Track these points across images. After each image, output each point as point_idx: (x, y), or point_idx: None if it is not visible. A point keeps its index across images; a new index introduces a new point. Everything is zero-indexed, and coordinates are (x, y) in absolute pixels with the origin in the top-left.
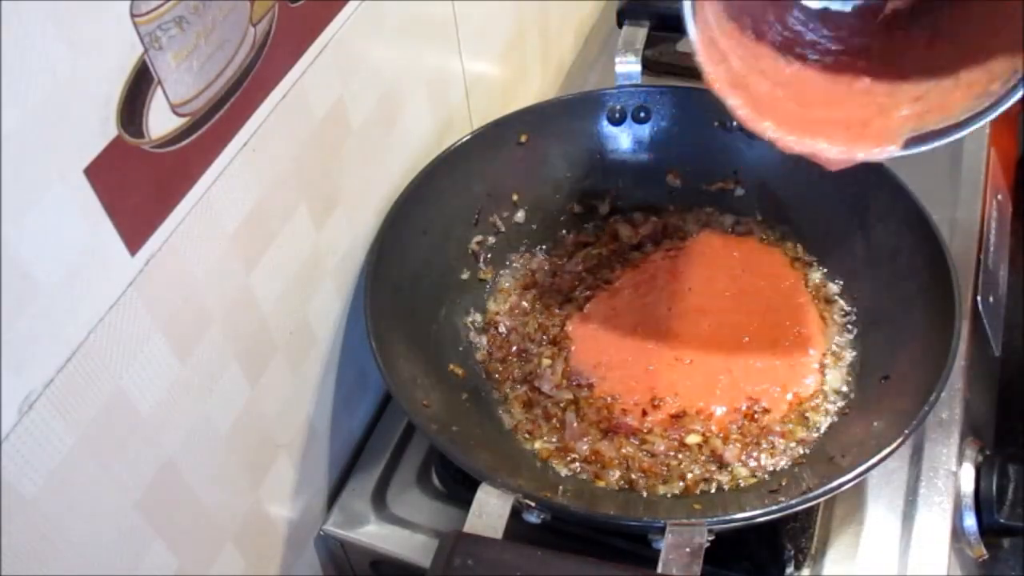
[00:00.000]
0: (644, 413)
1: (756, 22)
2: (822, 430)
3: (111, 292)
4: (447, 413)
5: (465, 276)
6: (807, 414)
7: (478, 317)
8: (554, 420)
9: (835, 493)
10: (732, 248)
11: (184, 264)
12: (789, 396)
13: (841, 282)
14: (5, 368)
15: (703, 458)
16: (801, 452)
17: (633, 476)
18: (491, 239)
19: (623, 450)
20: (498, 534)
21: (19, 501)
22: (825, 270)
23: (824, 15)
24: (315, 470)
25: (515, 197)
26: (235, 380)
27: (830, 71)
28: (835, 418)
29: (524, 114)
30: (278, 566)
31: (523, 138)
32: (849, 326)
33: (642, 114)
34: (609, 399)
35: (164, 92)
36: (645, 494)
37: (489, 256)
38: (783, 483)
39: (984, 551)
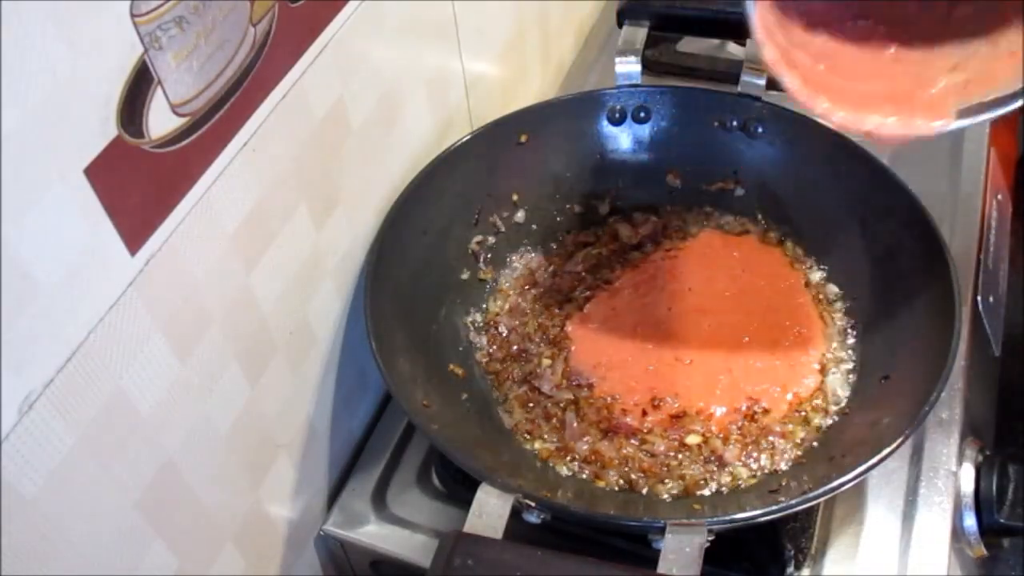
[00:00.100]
0: (644, 413)
1: None
2: (822, 430)
3: (111, 292)
4: (447, 413)
5: (465, 276)
6: (807, 414)
7: (478, 317)
8: (554, 420)
9: (835, 493)
10: (732, 248)
11: (184, 264)
12: (789, 396)
13: (841, 282)
14: (5, 368)
15: (703, 458)
16: (801, 452)
17: (633, 476)
18: (491, 239)
19: (623, 450)
20: (498, 534)
21: (19, 501)
22: (825, 270)
23: None
24: (315, 470)
25: (515, 197)
26: (235, 380)
27: (855, 41)
28: (835, 418)
29: (524, 114)
30: (278, 566)
31: (523, 138)
32: (849, 326)
33: (642, 114)
34: (609, 399)
35: (164, 92)
36: (645, 494)
37: (489, 256)
38: (783, 483)
39: (984, 551)
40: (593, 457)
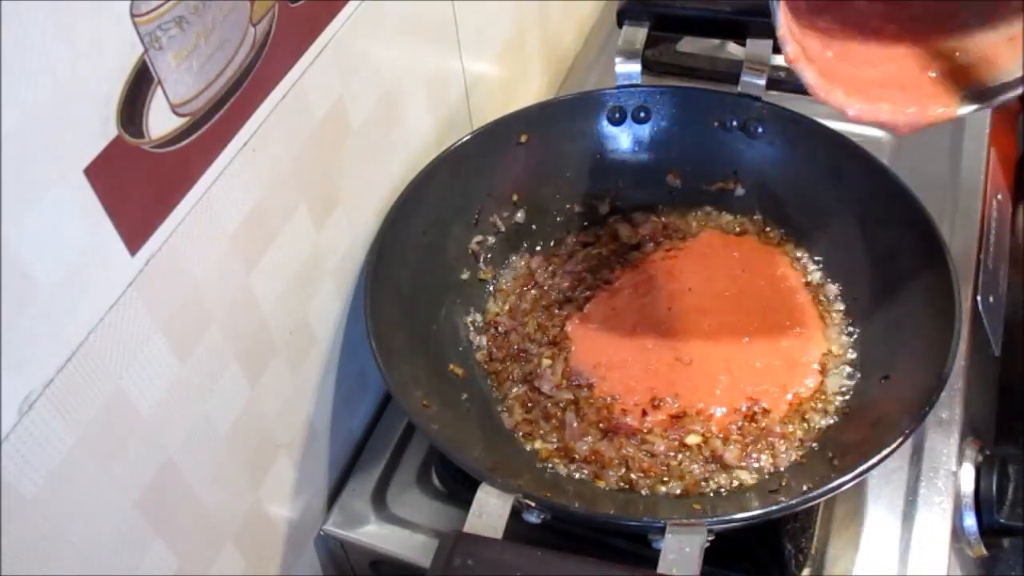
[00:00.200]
0: (644, 413)
1: None
2: (822, 430)
3: (111, 292)
4: (447, 413)
5: (465, 276)
6: (807, 414)
7: (478, 317)
8: (554, 420)
9: (835, 493)
10: (732, 248)
11: (184, 264)
12: (789, 396)
13: (841, 282)
14: (5, 368)
15: (703, 458)
16: (801, 452)
17: (633, 476)
18: (491, 239)
19: (623, 450)
20: (498, 534)
21: (19, 501)
22: (825, 270)
23: None
24: (315, 470)
25: (515, 197)
26: (235, 380)
27: (851, 25)
28: (835, 418)
29: (524, 114)
30: (278, 566)
31: (523, 138)
32: (849, 326)
33: (642, 114)
34: (609, 399)
35: (164, 92)
36: (645, 494)
37: (489, 256)
38: (783, 483)
39: (984, 551)
40: (593, 457)
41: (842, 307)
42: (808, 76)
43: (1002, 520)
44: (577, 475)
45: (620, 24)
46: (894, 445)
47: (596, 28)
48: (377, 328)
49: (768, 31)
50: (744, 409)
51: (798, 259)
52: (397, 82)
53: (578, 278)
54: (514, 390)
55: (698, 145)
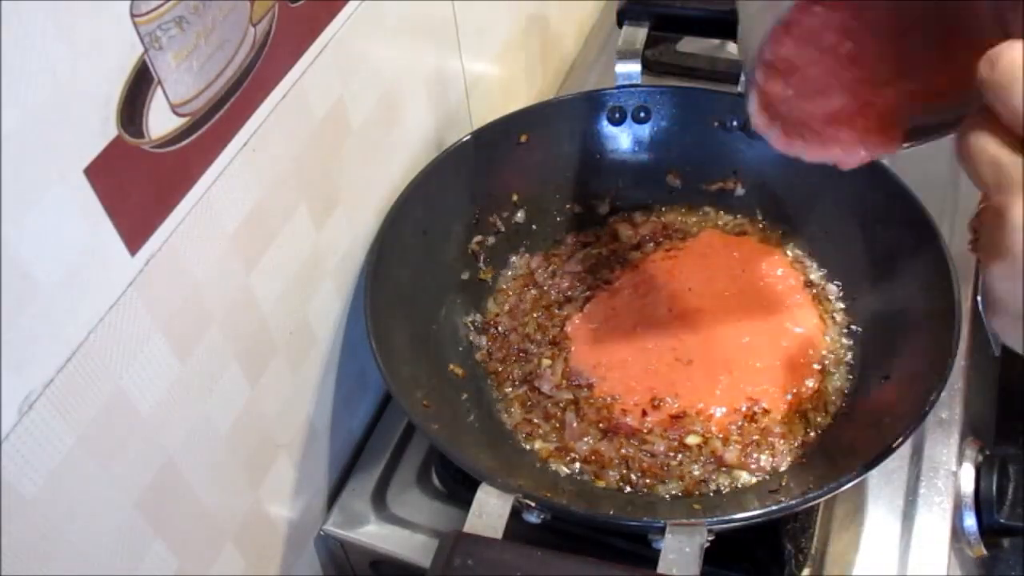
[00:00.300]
0: (644, 413)
1: None
2: (822, 430)
3: (111, 292)
4: (447, 413)
5: (465, 276)
6: (807, 414)
7: (478, 317)
8: (554, 420)
9: (835, 493)
10: (732, 248)
11: (184, 264)
12: (789, 396)
13: (841, 282)
14: (5, 368)
15: (703, 459)
16: (801, 452)
17: (633, 476)
18: (491, 239)
19: (623, 450)
20: (498, 534)
21: (19, 501)
22: (825, 270)
23: None
24: (315, 470)
25: (515, 197)
26: (235, 380)
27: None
28: (835, 418)
29: (524, 114)
30: (278, 566)
31: (523, 138)
32: (849, 326)
33: (642, 114)
34: (609, 399)
35: (164, 92)
36: (645, 494)
37: (489, 256)
38: (783, 483)
39: (984, 551)
40: (593, 457)
41: (842, 307)
42: (774, 138)
43: (1002, 520)
44: (577, 475)
45: (620, 24)
46: (894, 445)
47: (596, 28)
48: (377, 328)
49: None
50: (744, 409)
51: (798, 259)
52: (397, 82)
53: (578, 278)
54: (514, 390)
55: (698, 145)
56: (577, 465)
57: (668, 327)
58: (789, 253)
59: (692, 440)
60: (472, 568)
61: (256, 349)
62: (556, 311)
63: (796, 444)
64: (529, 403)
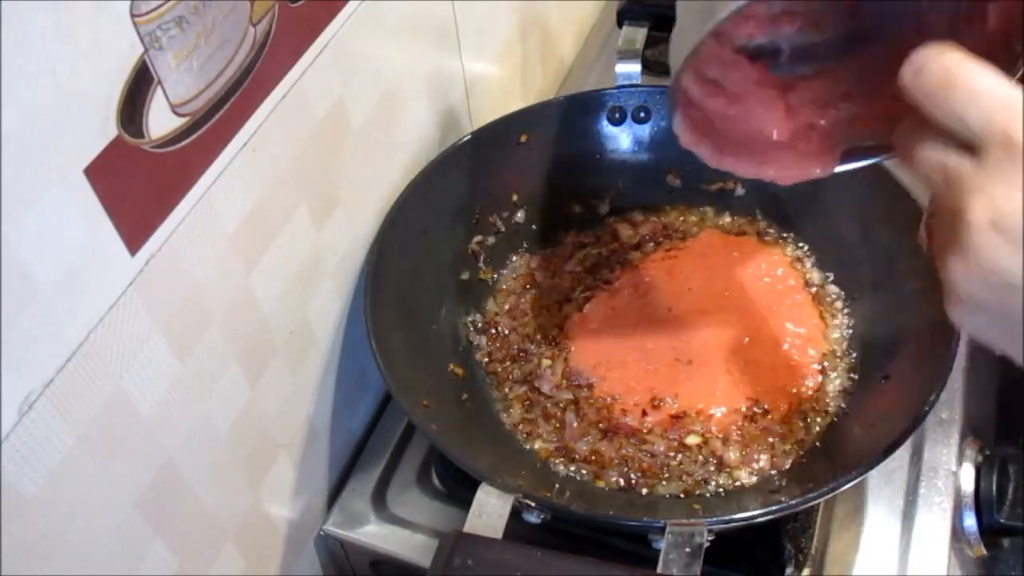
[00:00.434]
0: (644, 413)
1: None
2: (822, 430)
3: (111, 292)
4: (447, 413)
5: (465, 276)
6: (807, 414)
7: (478, 317)
8: (554, 420)
9: (835, 493)
10: (732, 248)
11: (184, 264)
12: (789, 397)
13: (841, 282)
14: (5, 368)
15: (703, 459)
16: (801, 452)
17: (633, 476)
18: (491, 239)
19: (623, 450)
20: (498, 534)
21: (19, 501)
22: (825, 270)
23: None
24: (315, 470)
25: (515, 197)
26: (235, 380)
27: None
28: (835, 418)
29: (524, 114)
30: (278, 566)
31: (523, 138)
32: (849, 327)
33: (642, 114)
34: (609, 399)
35: (164, 92)
36: (645, 494)
37: (489, 256)
38: (783, 483)
39: (984, 551)
40: (593, 457)
41: (842, 307)
42: (704, 154)
43: (1002, 520)
44: (577, 475)
45: (620, 24)
46: (894, 445)
47: (596, 28)
48: (377, 328)
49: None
50: (744, 409)
51: (798, 259)
52: (397, 82)
53: (578, 278)
54: (514, 390)
55: None
56: (577, 465)
57: (668, 327)
58: (789, 253)
59: (692, 440)
60: (472, 568)
61: (256, 349)
62: (556, 311)
63: (796, 444)
64: (529, 403)
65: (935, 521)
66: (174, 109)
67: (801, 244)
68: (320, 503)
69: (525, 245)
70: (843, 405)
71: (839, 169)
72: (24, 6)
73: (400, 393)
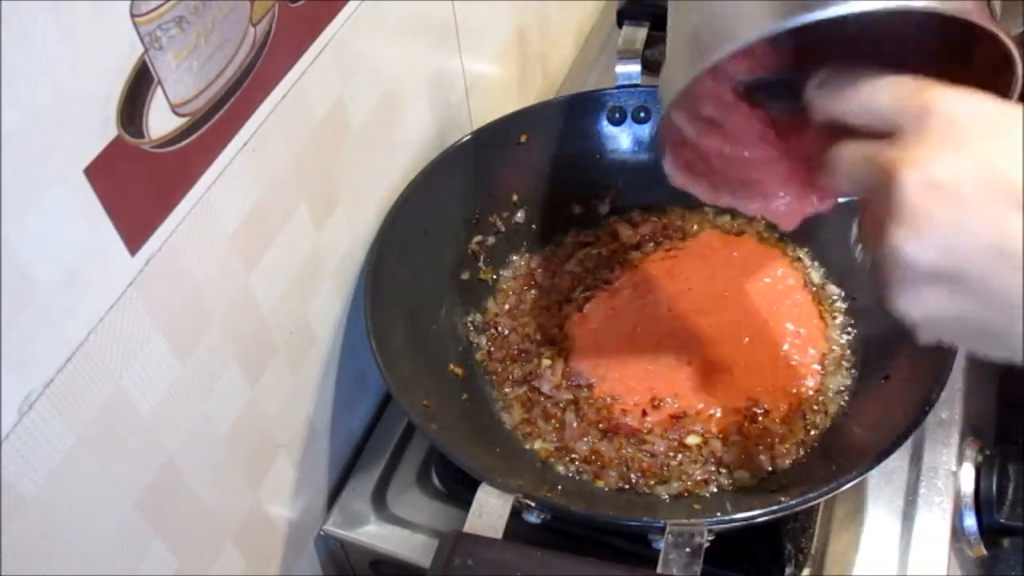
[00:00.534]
0: (644, 413)
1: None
2: (822, 430)
3: (111, 292)
4: (447, 413)
5: (465, 276)
6: (807, 414)
7: (478, 317)
8: (554, 420)
9: (835, 493)
10: (732, 248)
11: (184, 264)
12: (789, 397)
13: (841, 282)
14: (5, 368)
15: (703, 459)
16: (801, 452)
17: (633, 476)
18: (491, 239)
19: (623, 450)
20: (498, 534)
21: (19, 501)
22: (825, 270)
23: None
24: (315, 470)
25: (515, 197)
26: (235, 380)
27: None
28: (835, 418)
29: (524, 114)
30: (278, 566)
31: (523, 138)
32: (849, 326)
33: (642, 114)
34: (609, 399)
35: (164, 92)
36: (645, 494)
37: (489, 256)
38: (783, 483)
39: (984, 551)
40: (593, 457)
41: (842, 307)
42: (699, 193)
43: (1002, 520)
44: (577, 475)
45: (620, 24)
46: (894, 445)
47: (596, 28)
48: (377, 328)
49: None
50: (744, 409)
51: (798, 259)
52: (397, 82)
53: (578, 278)
54: (514, 390)
55: None
56: (577, 465)
57: (668, 327)
58: (789, 253)
59: (692, 440)
60: (472, 568)
61: (256, 349)
62: (556, 311)
63: (796, 444)
64: (529, 403)
65: (935, 521)
66: (174, 109)
67: (801, 244)
68: (320, 503)
69: (525, 245)
70: (843, 405)
71: (840, 200)
72: (24, 6)
73: (400, 393)
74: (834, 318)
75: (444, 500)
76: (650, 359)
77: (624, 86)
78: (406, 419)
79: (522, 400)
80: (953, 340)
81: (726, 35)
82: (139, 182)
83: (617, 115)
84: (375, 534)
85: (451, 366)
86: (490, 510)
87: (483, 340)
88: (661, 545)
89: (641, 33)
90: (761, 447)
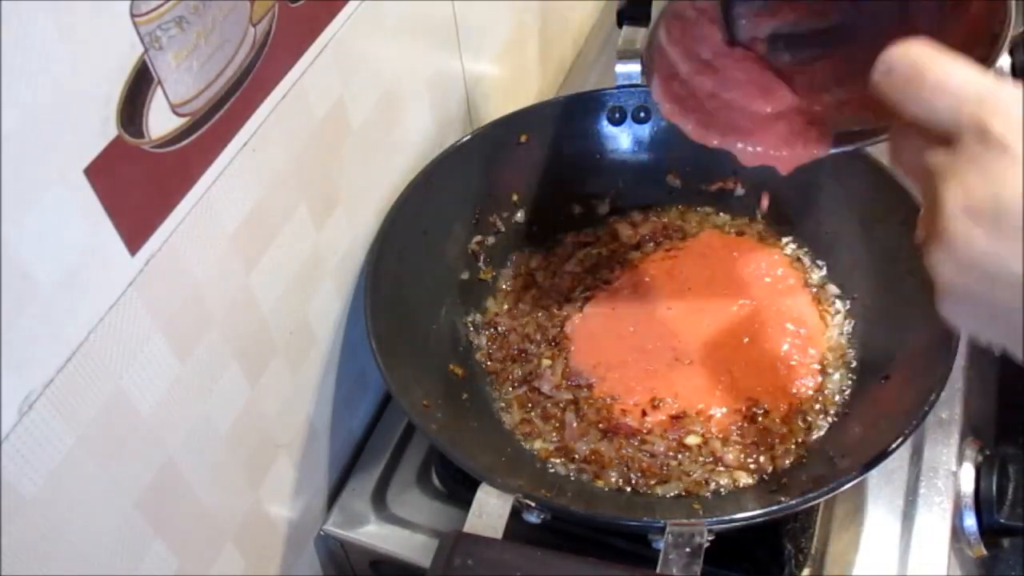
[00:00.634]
0: (644, 414)
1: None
2: (822, 430)
3: (111, 292)
4: (447, 413)
5: (465, 276)
6: (807, 415)
7: (478, 317)
8: (554, 420)
9: (835, 493)
10: (732, 248)
11: (184, 264)
12: (789, 397)
13: (841, 282)
14: (5, 368)
15: (703, 459)
16: (801, 452)
17: (633, 476)
18: (491, 239)
19: (623, 450)
20: (498, 534)
21: (19, 501)
22: (825, 270)
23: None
24: (315, 470)
25: (515, 197)
26: (235, 380)
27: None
28: (835, 418)
29: (524, 114)
30: (278, 566)
31: (523, 138)
32: (849, 326)
33: (642, 114)
34: (609, 399)
35: (164, 92)
36: (645, 494)
37: (489, 256)
38: (783, 483)
39: (984, 551)
40: (593, 457)
41: (842, 307)
42: (689, 130)
43: (1002, 520)
44: (577, 475)
45: (620, 24)
46: (894, 445)
47: (596, 28)
48: (377, 328)
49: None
50: (744, 409)
51: (798, 259)
52: (397, 82)
53: (578, 278)
54: (514, 390)
55: (698, 145)
56: (577, 465)
57: (668, 327)
58: (789, 253)
59: (692, 440)
60: (472, 568)
61: (256, 349)
62: (556, 311)
63: (796, 444)
64: (529, 403)
65: (935, 521)
66: (174, 109)
67: (801, 244)
68: (320, 503)
69: (525, 245)
70: (843, 405)
71: (833, 151)
72: (24, 6)
73: (400, 393)
74: (834, 318)
75: (444, 500)
76: (650, 359)
77: (624, 86)
78: (406, 419)
79: (522, 400)
80: (998, 346)
81: None
82: (139, 182)
83: (617, 115)
84: (375, 534)
85: (451, 366)
86: (490, 510)
87: (483, 340)
88: (661, 545)
89: (641, 33)
90: (761, 447)
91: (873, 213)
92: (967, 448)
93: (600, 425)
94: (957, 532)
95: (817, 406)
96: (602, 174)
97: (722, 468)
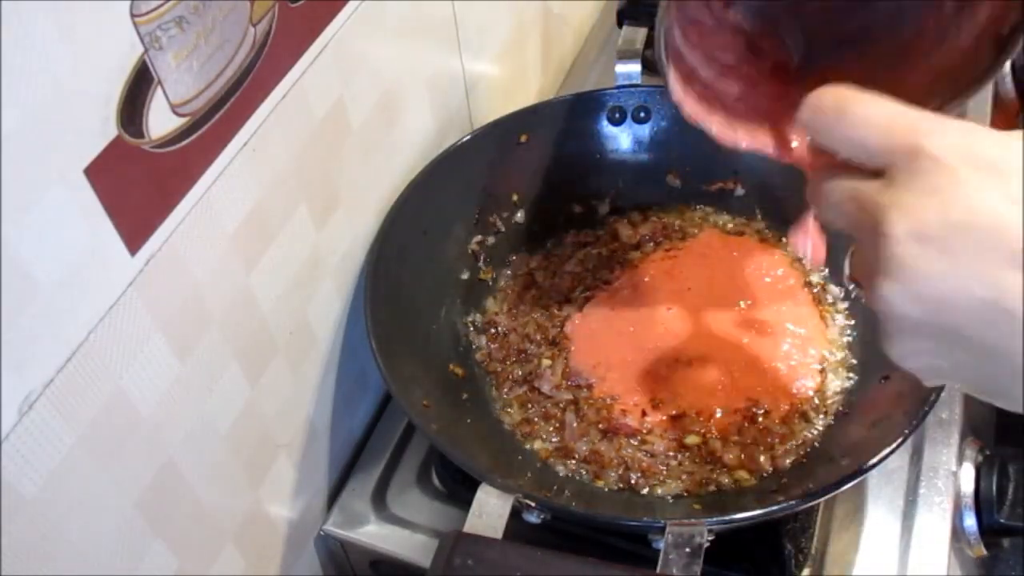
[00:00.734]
0: (643, 414)
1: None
2: (822, 430)
3: (111, 292)
4: (447, 413)
5: (465, 276)
6: (807, 415)
7: (478, 317)
8: (554, 420)
9: (835, 493)
10: (732, 248)
11: (184, 264)
12: (789, 397)
13: (841, 282)
14: (5, 368)
15: (702, 459)
16: (801, 452)
17: (633, 476)
18: (491, 239)
19: (623, 450)
20: (498, 534)
21: (19, 501)
22: (825, 270)
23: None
24: (315, 470)
25: (515, 197)
26: (235, 380)
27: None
28: (835, 418)
29: (524, 114)
30: (278, 566)
31: (523, 138)
32: (849, 327)
33: (642, 114)
34: (608, 399)
35: (164, 92)
36: (645, 494)
37: (489, 256)
38: (783, 483)
39: (984, 551)
40: (593, 457)
41: (842, 307)
42: (712, 129)
43: (1002, 520)
44: (577, 475)
45: (620, 24)
46: (894, 445)
47: (596, 28)
48: (377, 328)
49: None
50: (744, 409)
51: (798, 259)
52: (397, 82)
53: (578, 278)
54: (514, 390)
55: (698, 145)
56: (577, 465)
57: (668, 327)
58: (789, 253)
59: (692, 440)
60: (472, 568)
61: (256, 349)
62: (556, 311)
63: (796, 444)
64: (529, 403)
65: (935, 521)
66: (174, 109)
67: None
68: (320, 503)
69: (525, 245)
70: (843, 405)
71: None
72: (24, 6)
73: (400, 393)
74: (834, 318)
75: (444, 500)
76: (650, 359)
77: (624, 86)
78: (406, 419)
79: (522, 400)
80: (957, 386)
81: None
82: (139, 182)
83: (617, 115)
84: (375, 534)
85: (451, 366)
86: (490, 510)
87: (483, 340)
88: (661, 545)
89: (641, 33)
90: (761, 447)
91: None
92: (967, 448)
93: (600, 425)
94: (957, 532)
95: (817, 406)
96: (602, 174)
97: (722, 468)
